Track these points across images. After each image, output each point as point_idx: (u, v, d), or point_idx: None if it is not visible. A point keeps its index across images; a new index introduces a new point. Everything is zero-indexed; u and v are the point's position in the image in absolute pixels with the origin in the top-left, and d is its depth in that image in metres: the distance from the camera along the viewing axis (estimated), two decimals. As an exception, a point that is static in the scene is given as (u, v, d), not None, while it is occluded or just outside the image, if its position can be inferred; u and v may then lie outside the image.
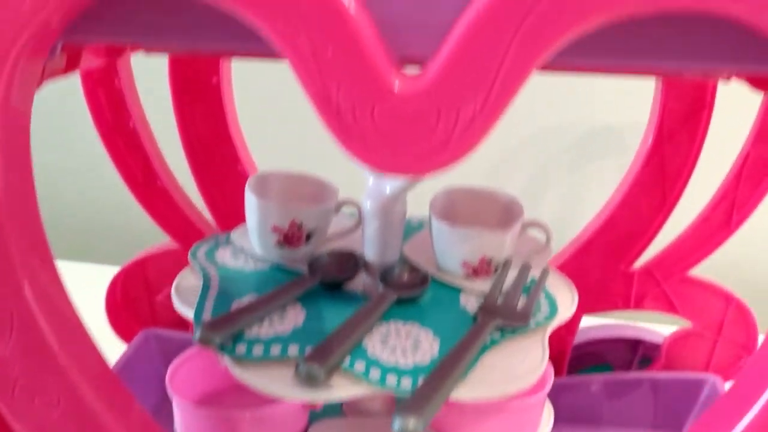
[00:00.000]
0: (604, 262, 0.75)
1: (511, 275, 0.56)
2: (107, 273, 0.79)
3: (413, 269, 0.55)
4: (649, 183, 0.72)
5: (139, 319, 0.80)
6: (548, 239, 0.58)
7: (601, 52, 0.36)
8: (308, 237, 0.55)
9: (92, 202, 1.24)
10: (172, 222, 0.75)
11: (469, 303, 0.54)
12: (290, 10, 0.34)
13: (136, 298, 0.80)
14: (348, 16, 0.34)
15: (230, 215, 0.74)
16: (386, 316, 0.51)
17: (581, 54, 0.36)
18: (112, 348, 0.78)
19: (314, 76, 0.35)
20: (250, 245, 0.58)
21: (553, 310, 0.54)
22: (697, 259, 0.74)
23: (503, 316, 0.51)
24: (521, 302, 0.53)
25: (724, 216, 0.72)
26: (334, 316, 0.50)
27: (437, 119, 0.35)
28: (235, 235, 0.61)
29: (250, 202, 0.55)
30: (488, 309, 0.52)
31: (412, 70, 0.36)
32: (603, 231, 0.74)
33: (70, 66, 0.46)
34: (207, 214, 0.76)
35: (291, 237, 0.55)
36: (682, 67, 0.37)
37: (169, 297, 0.54)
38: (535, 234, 0.60)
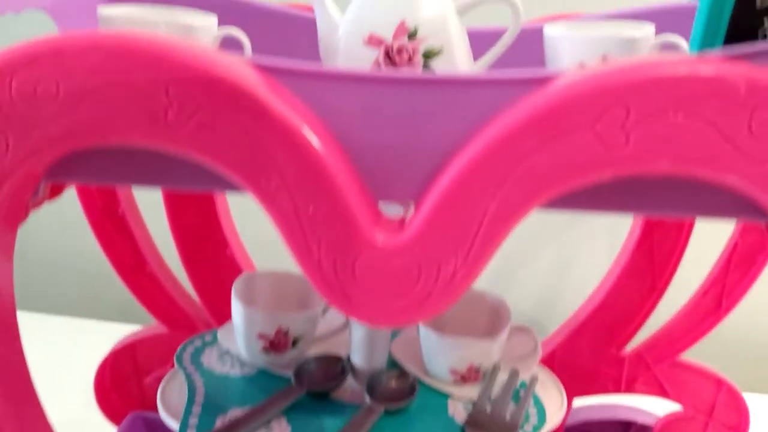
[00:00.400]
0: (595, 346, 0.74)
1: (500, 378, 0.56)
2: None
3: (401, 375, 0.55)
4: (639, 268, 0.72)
5: (128, 401, 0.80)
6: (536, 344, 0.58)
7: (589, 200, 0.36)
8: (294, 342, 0.55)
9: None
10: (161, 308, 0.74)
11: (458, 412, 0.53)
12: (272, 171, 0.34)
13: (125, 380, 0.79)
14: (329, 174, 0.34)
15: (219, 301, 0.73)
16: (374, 430, 0.51)
17: (567, 202, 0.36)
18: (101, 430, 0.78)
19: (296, 233, 0.35)
20: (237, 347, 0.58)
21: (542, 419, 0.53)
22: (688, 344, 0.74)
23: (491, 430, 0.51)
24: (510, 410, 0.53)
25: (715, 302, 0.72)
26: (321, 430, 0.50)
27: (418, 275, 0.35)
28: (222, 334, 0.61)
29: (236, 308, 0.55)
30: (476, 421, 0.51)
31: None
32: (594, 315, 0.73)
33: (55, 192, 0.46)
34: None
35: (277, 343, 0.54)
36: (676, 216, 0.37)
37: (158, 380, 0.54)
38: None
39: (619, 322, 0.74)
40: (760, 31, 0.36)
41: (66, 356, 0.94)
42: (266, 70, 0.36)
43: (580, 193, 0.34)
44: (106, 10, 0.48)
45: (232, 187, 0.36)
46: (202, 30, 0.48)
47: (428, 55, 0.48)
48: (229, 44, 0.53)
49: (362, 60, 0.48)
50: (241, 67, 0.35)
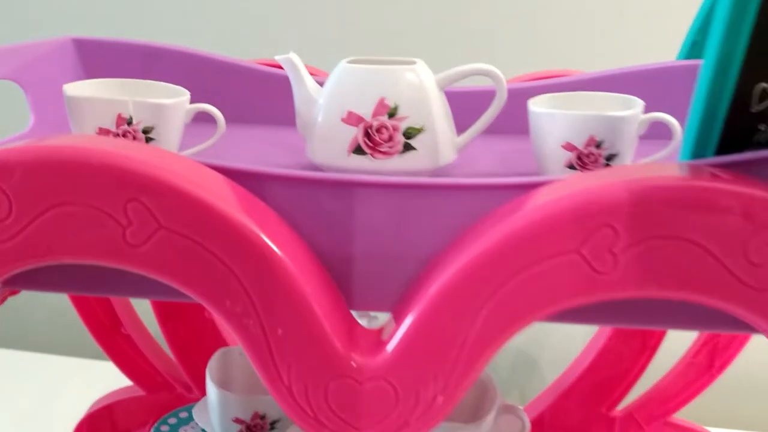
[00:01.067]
0: (586, 406, 0.72)
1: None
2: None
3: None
4: (629, 329, 0.70)
5: (105, 463, 0.77)
6: (524, 424, 0.56)
7: (578, 316, 0.34)
8: (272, 426, 0.53)
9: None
10: (137, 370, 0.72)
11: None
12: (237, 292, 0.32)
13: (101, 442, 0.77)
14: (301, 294, 0.32)
15: (197, 361, 0.71)
16: None
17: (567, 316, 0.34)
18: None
19: (264, 357, 0.32)
20: (212, 428, 0.55)
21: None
22: (680, 404, 0.72)
23: None
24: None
25: (707, 360, 0.70)
26: None
27: (395, 401, 0.32)
28: (197, 413, 0.58)
29: (211, 390, 0.53)
30: None
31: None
32: (584, 375, 0.71)
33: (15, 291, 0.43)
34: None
35: (254, 427, 0.52)
36: (679, 329, 0.35)
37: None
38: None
39: (609, 381, 0.72)
40: (755, 137, 0.34)
41: (50, 395, 0.92)
42: (231, 175, 0.34)
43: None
44: (72, 90, 0.46)
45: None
46: (173, 108, 0.46)
47: (409, 134, 0.46)
48: (202, 116, 0.51)
49: (340, 137, 0.46)
50: (205, 177, 0.33)
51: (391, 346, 0.32)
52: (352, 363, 0.32)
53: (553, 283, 0.31)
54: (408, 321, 0.32)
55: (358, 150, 0.46)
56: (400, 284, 0.35)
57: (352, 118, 0.46)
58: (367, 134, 0.46)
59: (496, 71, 0.47)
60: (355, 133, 0.46)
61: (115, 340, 0.71)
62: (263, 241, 0.31)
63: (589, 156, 0.46)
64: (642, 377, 0.72)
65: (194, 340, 0.71)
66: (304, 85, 0.48)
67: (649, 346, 0.70)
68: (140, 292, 0.36)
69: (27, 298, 1.08)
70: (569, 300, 0.31)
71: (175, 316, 0.71)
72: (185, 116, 0.47)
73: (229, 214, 0.31)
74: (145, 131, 0.45)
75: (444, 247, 0.34)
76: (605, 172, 0.32)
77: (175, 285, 0.32)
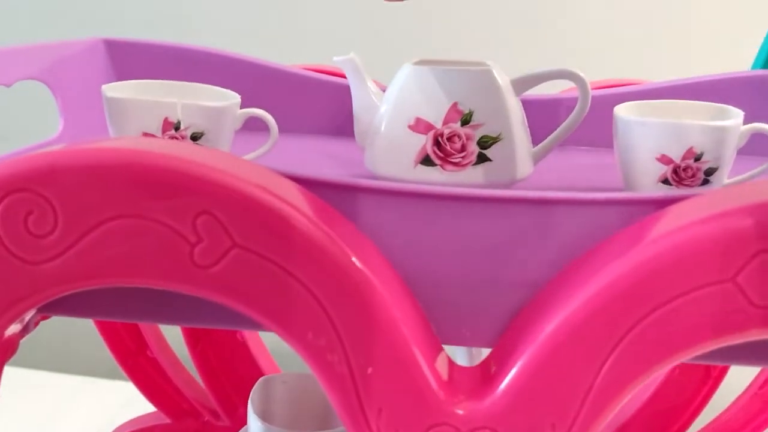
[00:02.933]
0: (645, 439, 0.67)
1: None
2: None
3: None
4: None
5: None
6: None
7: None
8: (321, 463, 0.48)
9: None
10: (163, 397, 0.67)
11: None
12: (322, 323, 0.27)
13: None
14: (395, 327, 0.27)
15: (227, 387, 0.66)
16: None
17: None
18: None
19: (350, 398, 0.27)
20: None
21: None
22: (746, 438, 0.67)
23: None
24: None
25: (775, 393, 0.66)
26: None
27: (505, 454, 0.28)
28: (236, 446, 0.53)
29: (253, 424, 0.48)
30: None
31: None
32: (644, 407, 0.67)
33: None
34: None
35: (302, 465, 0.47)
36: None
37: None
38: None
39: (670, 413, 0.67)
40: None
41: (64, 416, 0.88)
42: (311, 186, 0.30)
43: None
44: (113, 91, 0.41)
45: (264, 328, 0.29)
46: (225, 112, 0.42)
47: (485, 144, 0.41)
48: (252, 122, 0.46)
49: (406, 147, 0.41)
50: (285, 189, 0.28)
51: (500, 390, 0.27)
52: (455, 408, 0.27)
53: (700, 317, 0.26)
54: (522, 362, 0.27)
55: (426, 161, 0.41)
56: (502, 315, 0.30)
57: (420, 126, 0.41)
58: (437, 143, 0.41)
59: (582, 75, 0.43)
60: (423, 142, 0.41)
61: (139, 363, 0.66)
62: (355, 266, 0.27)
63: (687, 170, 0.42)
64: (704, 409, 0.67)
65: (225, 365, 0.66)
66: (365, 89, 0.44)
67: (712, 375, 0.65)
68: (196, 319, 0.31)
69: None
70: (717, 339, 0.26)
71: (204, 339, 0.66)
72: (236, 122, 0.43)
73: (316, 232, 0.26)
74: (194, 137, 0.41)
75: (557, 272, 0.29)
76: (757, 188, 0.28)
77: (248, 313, 0.27)
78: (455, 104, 0.41)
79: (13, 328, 0.30)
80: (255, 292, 0.27)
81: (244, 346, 0.67)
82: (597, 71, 0.71)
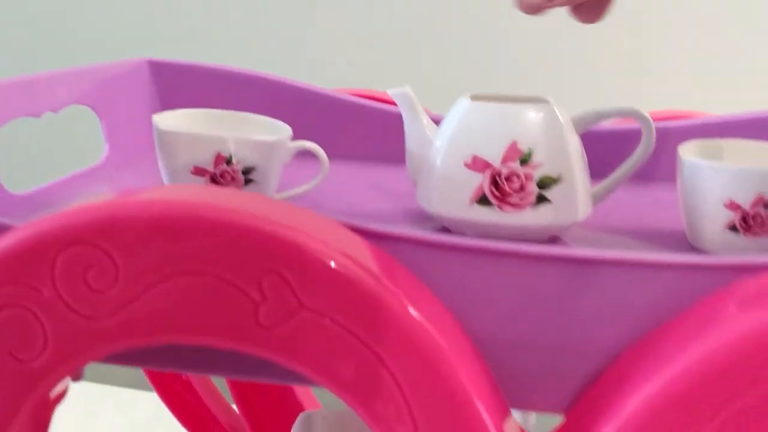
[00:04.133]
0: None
1: None
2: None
3: None
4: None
5: None
6: None
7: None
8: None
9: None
10: (196, 419, 0.66)
11: None
12: (392, 392, 0.25)
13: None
14: (466, 399, 0.26)
15: (260, 412, 0.65)
16: None
17: None
18: None
19: (418, 470, 0.26)
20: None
21: None
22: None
23: None
24: None
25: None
26: None
27: None
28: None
29: (297, 463, 0.46)
30: None
31: None
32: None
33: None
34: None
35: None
36: None
37: None
38: None
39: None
40: None
41: (90, 425, 0.87)
42: (381, 240, 0.28)
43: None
44: (164, 122, 0.40)
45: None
46: (277, 146, 0.40)
47: (544, 184, 0.40)
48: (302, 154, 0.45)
49: (462, 185, 0.39)
50: (354, 247, 0.27)
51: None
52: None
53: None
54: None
55: (483, 200, 0.39)
56: (574, 381, 0.28)
57: (477, 164, 0.40)
58: (494, 182, 0.39)
59: (645, 114, 0.41)
60: (480, 180, 0.39)
61: (173, 387, 0.65)
62: (429, 335, 0.25)
63: (756, 218, 0.40)
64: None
65: (260, 391, 0.65)
66: (420, 123, 0.42)
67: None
68: (257, 374, 0.30)
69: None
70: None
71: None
72: (287, 155, 0.42)
73: (388, 298, 0.25)
74: (245, 171, 0.39)
75: (637, 340, 0.28)
76: None
77: (312, 377, 0.26)
78: (515, 143, 0.39)
79: (66, 380, 0.29)
80: (322, 357, 0.26)
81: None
82: (649, 103, 0.69)
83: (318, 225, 0.26)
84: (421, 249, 0.28)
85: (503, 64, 0.83)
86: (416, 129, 0.42)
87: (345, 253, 0.25)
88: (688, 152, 0.42)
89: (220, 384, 0.67)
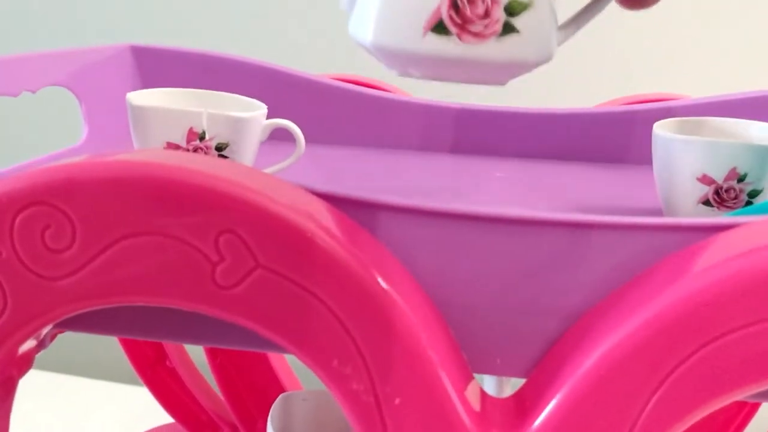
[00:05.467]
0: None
1: None
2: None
3: None
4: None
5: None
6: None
7: None
8: (341, 486, 0.46)
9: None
10: (180, 407, 0.66)
11: None
12: (349, 350, 0.26)
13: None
14: (426, 356, 0.26)
15: (246, 400, 0.65)
16: None
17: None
18: None
19: (375, 430, 0.26)
20: (272, 484, 0.49)
21: None
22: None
23: None
24: None
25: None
26: None
27: (540, 496, 0.26)
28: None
29: (274, 443, 0.46)
30: None
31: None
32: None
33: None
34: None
35: (321, 487, 0.46)
36: None
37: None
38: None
39: (703, 441, 0.65)
40: None
41: (83, 421, 0.88)
42: (342, 204, 0.28)
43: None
44: (137, 99, 0.40)
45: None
46: (251, 122, 0.41)
47: (513, 10, 0.33)
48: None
49: (414, 9, 0.33)
50: (314, 208, 0.27)
51: (535, 427, 0.26)
52: (487, 447, 0.26)
53: (753, 357, 0.24)
54: (559, 397, 0.25)
55: (439, 27, 0.33)
56: (538, 345, 0.28)
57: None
58: (454, 6, 0.33)
59: None
60: (437, 3, 0.33)
61: (158, 373, 0.65)
62: (384, 291, 0.25)
63: (729, 191, 0.40)
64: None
65: (245, 378, 0.65)
66: None
67: (744, 407, 0.63)
68: (221, 341, 0.30)
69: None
70: (772, 378, 0.24)
71: (224, 351, 0.65)
72: (262, 133, 0.42)
73: (343, 254, 0.25)
74: (219, 148, 0.40)
75: (597, 301, 0.28)
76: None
77: (270, 337, 0.26)
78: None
79: (29, 344, 0.29)
80: (278, 315, 0.26)
81: (264, 360, 0.66)
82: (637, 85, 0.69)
83: (276, 186, 0.26)
84: (382, 212, 0.28)
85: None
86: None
87: (302, 212, 0.25)
88: (662, 128, 0.42)
89: (206, 370, 0.66)
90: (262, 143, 0.44)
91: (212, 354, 0.65)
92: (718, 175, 0.39)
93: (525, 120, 0.53)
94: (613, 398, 0.25)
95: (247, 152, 0.41)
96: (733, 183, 0.39)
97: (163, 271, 0.26)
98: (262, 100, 0.45)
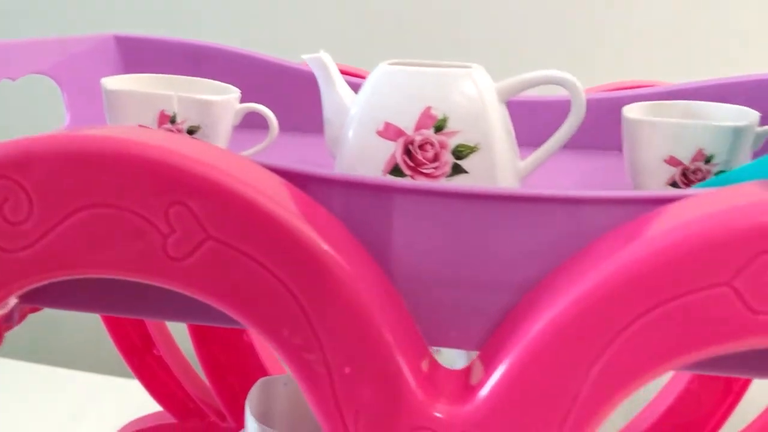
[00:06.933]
0: (660, 456, 0.65)
1: None
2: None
3: None
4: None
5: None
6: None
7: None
8: (318, 468, 0.47)
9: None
10: (168, 396, 0.66)
11: None
12: (299, 320, 0.26)
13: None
14: (375, 325, 0.26)
15: (233, 387, 0.66)
16: None
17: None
18: None
19: (326, 400, 0.26)
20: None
21: None
22: (768, 457, 0.64)
23: None
24: None
25: (800, 409, 0.63)
26: None
27: (487, 462, 0.26)
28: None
29: (251, 425, 0.47)
30: None
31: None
32: (660, 421, 0.64)
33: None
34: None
35: (298, 469, 0.46)
36: None
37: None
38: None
39: (688, 429, 0.65)
40: None
41: (80, 413, 0.89)
42: (292, 179, 0.29)
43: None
44: (111, 83, 0.41)
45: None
46: (222, 106, 0.41)
47: (460, 153, 0.37)
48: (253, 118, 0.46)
49: (375, 154, 0.37)
50: (263, 181, 0.27)
51: (482, 395, 0.26)
52: (435, 412, 0.26)
53: (693, 324, 0.24)
54: (505, 366, 0.26)
55: (395, 170, 0.37)
56: (491, 317, 0.29)
57: (389, 131, 0.37)
58: (407, 151, 0.37)
59: (573, 80, 0.38)
60: (393, 149, 0.37)
61: (145, 362, 0.66)
62: (334, 260, 0.26)
63: (696, 173, 0.40)
64: (725, 425, 0.64)
65: (231, 365, 0.65)
66: (334, 91, 0.40)
67: (733, 390, 0.63)
68: (180, 315, 0.30)
69: (58, 312, 1.05)
70: (712, 347, 0.25)
71: (211, 338, 0.65)
72: (234, 117, 0.42)
73: (295, 225, 0.26)
74: (190, 131, 0.40)
75: (547, 274, 0.28)
76: (759, 186, 0.26)
77: (222, 308, 0.26)
78: (428, 109, 0.37)
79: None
80: (230, 286, 0.26)
81: (250, 347, 0.66)
82: (610, 74, 0.69)
83: (228, 160, 0.27)
84: (336, 188, 0.29)
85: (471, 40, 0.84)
86: (332, 97, 0.40)
87: (251, 185, 0.26)
88: (632, 112, 0.42)
89: (193, 358, 0.67)
90: (241, 130, 0.44)
91: (199, 342, 0.65)
92: (685, 157, 0.39)
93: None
94: (556, 366, 0.25)
95: (219, 136, 0.41)
96: (701, 164, 0.39)
97: (117, 243, 0.26)
98: (245, 88, 0.45)
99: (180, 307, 0.30)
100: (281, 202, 0.26)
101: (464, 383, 0.28)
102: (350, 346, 0.26)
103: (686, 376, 0.63)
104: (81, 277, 0.27)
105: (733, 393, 0.63)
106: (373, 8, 0.88)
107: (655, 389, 0.66)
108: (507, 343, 0.26)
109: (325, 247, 0.26)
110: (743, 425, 0.64)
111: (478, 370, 0.28)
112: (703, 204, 0.26)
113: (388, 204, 0.29)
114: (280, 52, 0.62)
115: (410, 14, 0.86)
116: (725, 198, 0.25)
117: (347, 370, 0.26)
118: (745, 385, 0.63)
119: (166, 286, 0.26)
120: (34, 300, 0.31)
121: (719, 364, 0.27)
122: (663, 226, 0.25)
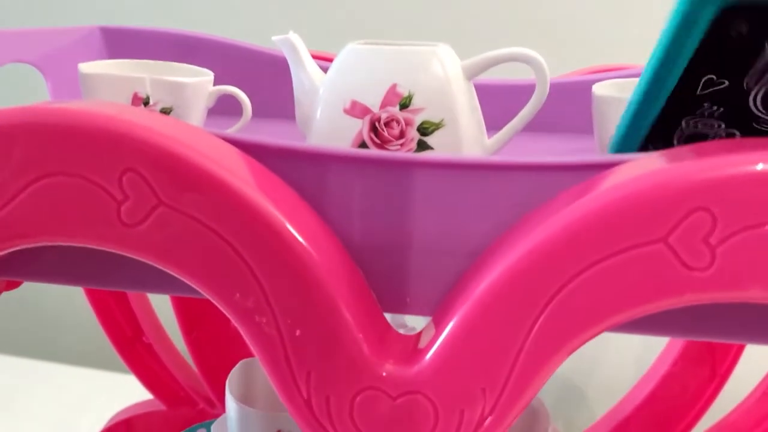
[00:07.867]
0: (645, 440, 0.65)
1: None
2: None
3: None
4: (698, 351, 0.63)
5: (123, 481, 0.72)
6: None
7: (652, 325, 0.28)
8: (297, 447, 0.47)
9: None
10: (158, 383, 0.67)
11: None
12: (249, 283, 0.27)
13: (119, 458, 0.72)
14: (324, 288, 0.27)
15: (221, 375, 0.66)
16: None
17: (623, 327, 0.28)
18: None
19: (279, 362, 0.27)
20: (232, 446, 0.50)
21: None
22: (753, 440, 0.64)
23: None
24: None
25: (784, 392, 0.63)
26: None
27: (434, 420, 0.27)
28: (217, 428, 0.54)
29: (231, 406, 0.48)
30: None
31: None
32: (644, 405, 0.64)
33: (13, 283, 0.39)
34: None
35: (277, 447, 0.47)
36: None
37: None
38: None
39: (672, 412, 0.65)
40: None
41: (74, 407, 0.89)
42: (247, 150, 0.29)
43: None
44: (87, 68, 0.42)
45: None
46: (194, 88, 0.42)
47: (425, 130, 0.38)
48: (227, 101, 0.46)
49: (342, 132, 0.38)
50: (215, 149, 0.28)
51: (429, 355, 0.27)
52: (384, 372, 0.27)
53: (630, 281, 0.25)
54: (451, 325, 0.26)
55: (362, 147, 0.38)
56: (445, 283, 0.29)
57: (356, 109, 0.38)
58: (373, 128, 0.38)
59: (537, 57, 0.39)
60: (359, 126, 0.38)
61: (135, 350, 0.67)
62: (282, 224, 0.26)
63: None
64: (710, 409, 0.65)
65: (219, 353, 0.66)
66: (304, 71, 0.41)
67: (719, 373, 0.63)
68: (139, 284, 0.31)
69: (55, 307, 1.06)
70: (650, 303, 0.25)
71: (199, 326, 0.66)
72: (208, 99, 0.43)
73: (243, 191, 0.26)
74: (163, 113, 0.41)
75: (499, 240, 0.29)
76: (699, 146, 0.27)
77: (175, 272, 0.27)
78: (394, 86, 0.38)
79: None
80: (182, 251, 0.27)
81: (238, 335, 0.67)
82: (586, 58, 0.69)
83: (180, 129, 0.28)
84: (289, 157, 0.29)
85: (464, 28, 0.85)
86: (301, 77, 0.41)
87: (202, 152, 0.26)
88: (601, 90, 0.43)
89: (182, 346, 0.68)
90: (217, 115, 0.45)
91: (187, 330, 0.66)
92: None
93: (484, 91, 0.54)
94: (499, 325, 0.26)
95: (192, 118, 0.42)
96: None
97: (73, 212, 0.27)
98: (230, 76, 0.46)
99: (140, 276, 0.31)
100: (231, 169, 0.27)
101: (414, 346, 0.28)
102: (300, 309, 0.27)
103: (669, 359, 0.63)
104: (43, 244, 0.28)
105: (717, 377, 0.63)
106: None
107: (639, 373, 0.66)
108: (452, 307, 0.27)
109: (275, 212, 0.26)
110: (728, 410, 0.64)
111: (429, 333, 0.28)
112: (641, 166, 0.26)
113: (342, 173, 0.29)
114: (269, 42, 0.63)
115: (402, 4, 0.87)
116: (661, 160, 0.26)
117: (297, 332, 0.27)
118: (730, 368, 0.63)
119: (121, 252, 0.27)
120: (5, 272, 0.32)
121: (663, 326, 0.27)
122: (602, 188, 0.26)
